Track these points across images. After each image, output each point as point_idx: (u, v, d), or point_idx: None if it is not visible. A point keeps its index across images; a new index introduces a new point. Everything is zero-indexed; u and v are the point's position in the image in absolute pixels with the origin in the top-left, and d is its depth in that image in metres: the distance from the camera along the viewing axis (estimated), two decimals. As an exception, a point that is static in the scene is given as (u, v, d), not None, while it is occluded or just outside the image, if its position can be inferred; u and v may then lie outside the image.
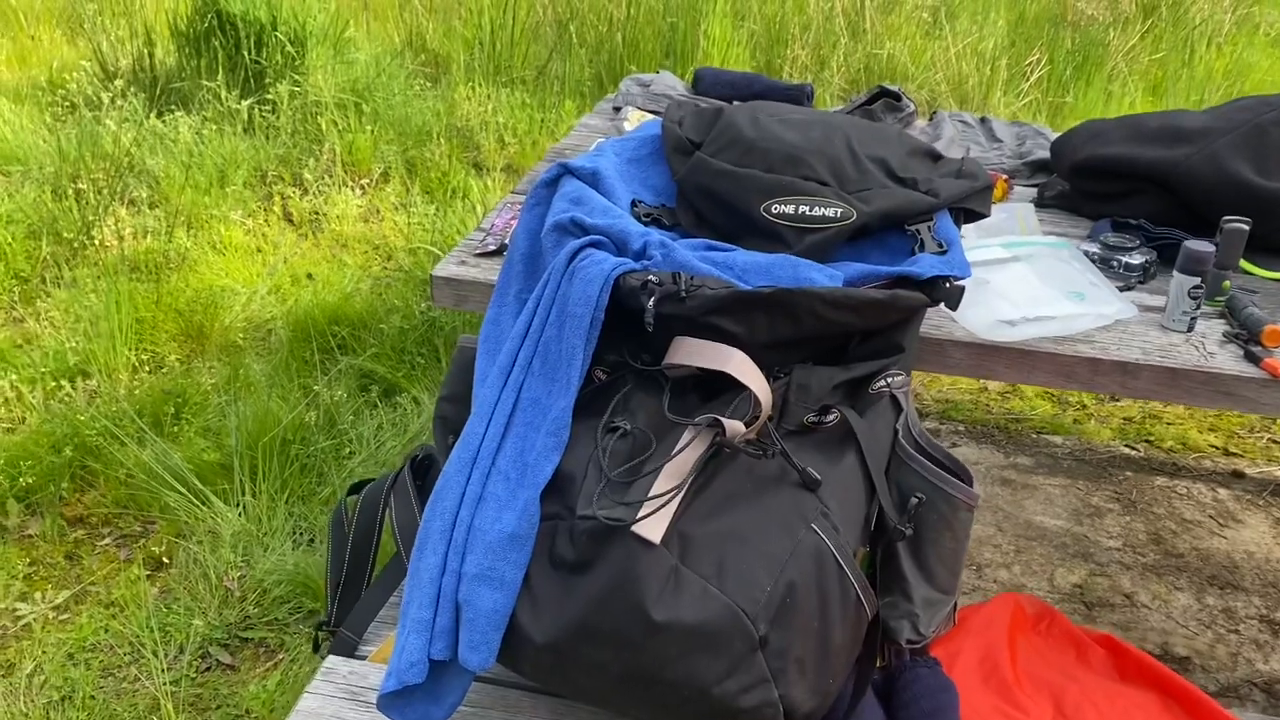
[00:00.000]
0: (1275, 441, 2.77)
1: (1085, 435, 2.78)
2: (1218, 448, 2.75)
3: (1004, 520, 2.45)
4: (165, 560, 2.27)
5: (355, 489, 1.47)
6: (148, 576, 2.23)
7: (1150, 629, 2.17)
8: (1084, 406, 2.91)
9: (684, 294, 1.19)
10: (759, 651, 1.08)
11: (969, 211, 1.43)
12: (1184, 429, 2.80)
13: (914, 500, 1.20)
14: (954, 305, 1.25)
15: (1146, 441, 2.77)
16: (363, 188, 3.86)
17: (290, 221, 3.68)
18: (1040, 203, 1.93)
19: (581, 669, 1.12)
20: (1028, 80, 4.48)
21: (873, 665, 1.22)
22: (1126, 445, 2.75)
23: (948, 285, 1.24)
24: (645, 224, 1.39)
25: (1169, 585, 2.28)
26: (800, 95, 2.22)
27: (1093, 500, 2.53)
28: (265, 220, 3.64)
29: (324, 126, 4.01)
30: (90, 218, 3.38)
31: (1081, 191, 1.88)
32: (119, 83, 4.13)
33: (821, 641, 1.12)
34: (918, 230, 1.32)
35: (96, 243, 3.32)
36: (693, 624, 1.07)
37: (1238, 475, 2.64)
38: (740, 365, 1.17)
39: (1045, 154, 2.06)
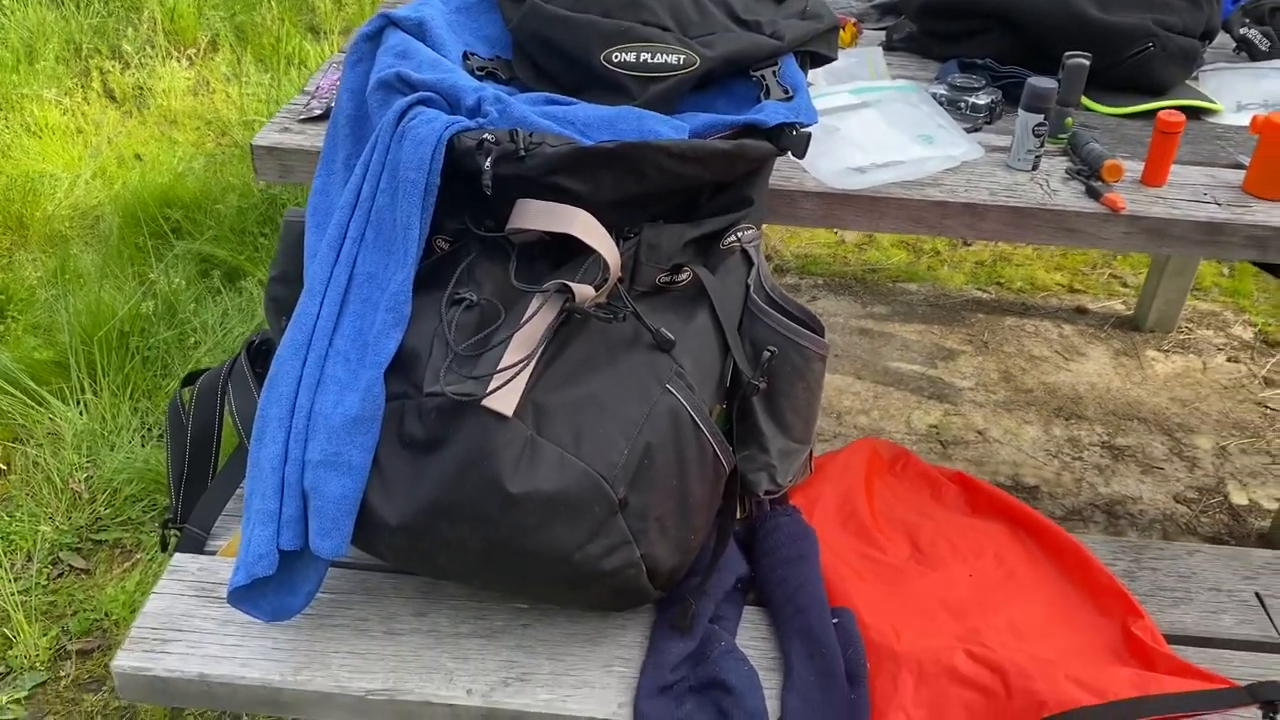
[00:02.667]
0: (1115, 276, 2.88)
1: (939, 281, 2.85)
2: (1063, 285, 2.84)
3: (862, 368, 2.50)
4: (3, 467, 2.15)
5: (190, 379, 1.39)
6: (-16, 485, 2.11)
7: (1002, 462, 2.26)
8: (938, 253, 2.97)
9: (523, 153, 1.12)
10: (619, 514, 1.07)
11: (815, 55, 1.39)
12: (1032, 270, 2.89)
13: (767, 354, 1.19)
14: (801, 153, 1.21)
15: (997, 284, 2.85)
16: (189, 58, 3.60)
17: (112, 99, 3.42)
18: (889, 46, 1.90)
19: (440, 547, 1.09)
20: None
21: (733, 518, 1.22)
22: (978, 289, 2.83)
23: (794, 132, 1.20)
24: (480, 78, 1.31)
25: (1019, 420, 2.38)
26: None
27: (947, 344, 2.60)
28: (84, 98, 3.37)
29: (140, -8, 3.71)
30: (-121, 103, 3.08)
31: (929, 32, 1.86)
32: (-103, -51, 3.72)
33: (681, 499, 1.11)
34: (763, 76, 1.28)
35: (-110, 130, 3.03)
36: (551, 493, 1.05)
37: (1081, 311, 2.75)
38: (585, 226, 1.12)
39: (893, -4, 2.02)
